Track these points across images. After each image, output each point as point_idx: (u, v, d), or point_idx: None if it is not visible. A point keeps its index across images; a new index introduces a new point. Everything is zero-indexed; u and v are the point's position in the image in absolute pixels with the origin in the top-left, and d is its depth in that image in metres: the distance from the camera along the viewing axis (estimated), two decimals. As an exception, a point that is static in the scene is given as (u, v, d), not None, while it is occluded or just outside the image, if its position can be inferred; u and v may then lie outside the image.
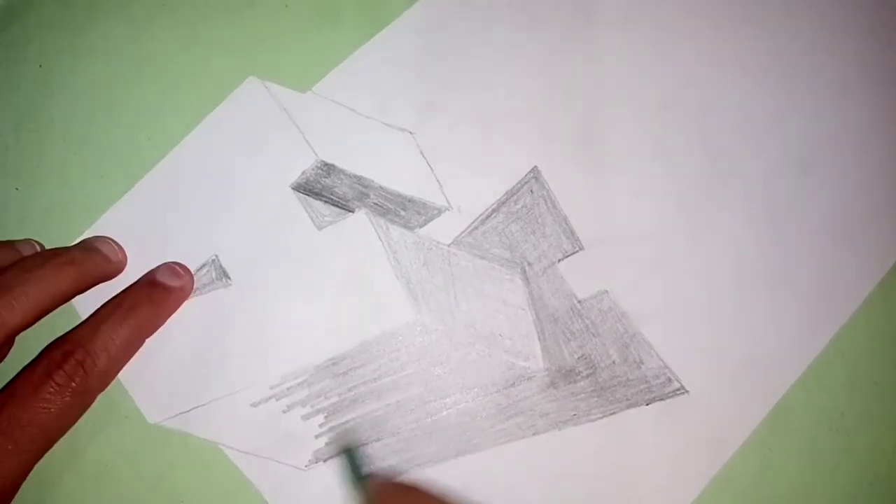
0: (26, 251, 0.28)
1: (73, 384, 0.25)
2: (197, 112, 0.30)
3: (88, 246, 0.28)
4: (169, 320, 0.28)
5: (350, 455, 0.28)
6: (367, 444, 0.28)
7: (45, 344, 0.26)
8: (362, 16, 0.31)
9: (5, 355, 0.28)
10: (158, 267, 0.28)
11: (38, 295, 0.25)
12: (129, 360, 0.27)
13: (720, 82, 0.31)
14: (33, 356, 0.26)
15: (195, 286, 0.29)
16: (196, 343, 0.28)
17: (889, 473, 0.29)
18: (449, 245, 0.30)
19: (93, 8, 0.32)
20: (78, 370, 0.25)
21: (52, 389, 0.24)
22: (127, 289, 0.28)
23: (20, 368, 0.27)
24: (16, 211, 0.30)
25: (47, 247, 0.29)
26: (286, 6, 0.32)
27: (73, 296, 0.27)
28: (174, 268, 0.28)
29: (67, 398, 0.24)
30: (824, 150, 0.31)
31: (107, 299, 0.28)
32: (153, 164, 0.30)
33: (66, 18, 0.32)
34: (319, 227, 0.30)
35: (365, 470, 0.27)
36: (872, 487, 0.29)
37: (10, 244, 0.28)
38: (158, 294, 0.27)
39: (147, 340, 0.28)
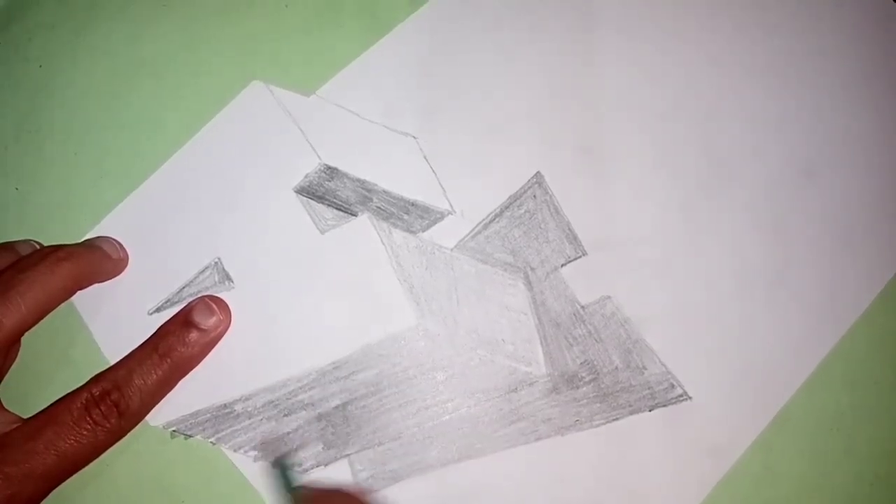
0: (25, 252, 0.28)
1: (108, 424, 0.25)
2: (199, 115, 0.30)
3: (88, 243, 0.28)
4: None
5: (281, 468, 0.28)
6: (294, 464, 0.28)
7: (51, 344, 0.27)
8: (365, 20, 0.31)
9: (14, 357, 0.28)
10: (195, 303, 0.28)
11: (34, 295, 0.25)
12: (160, 401, 0.27)
13: (722, 88, 0.32)
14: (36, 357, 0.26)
15: (196, 288, 0.29)
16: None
17: (890, 473, 0.29)
18: (452, 249, 0.30)
19: (93, 8, 0.32)
20: (113, 411, 0.25)
21: (89, 425, 0.25)
22: (162, 327, 0.27)
23: (21, 371, 0.27)
24: (16, 211, 0.30)
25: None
26: (286, 6, 0.32)
27: (73, 292, 0.27)
28: (210, 305, 0.28)
29: (101, 436, 0.25)
30: (827, 156, 0.31)
31: (109, 301, 0.28)
32: (155, 166, 0.30)
33: (66, 18, 0.32)
34: (322, 231, 0.30)
35: (295, 482, 0.27)
36: (873, 487, 0.29)
37: (8, 246, 0.28)
38: (194, 337, 0.27)
39: None
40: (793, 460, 0.28)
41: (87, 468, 0.26)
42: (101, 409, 0.25)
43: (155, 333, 0.27)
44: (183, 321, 0.27)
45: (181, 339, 0.27)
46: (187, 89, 0.31)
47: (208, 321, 0.28)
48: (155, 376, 0.26)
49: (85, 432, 0.25)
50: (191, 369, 0.28)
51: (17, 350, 0.28)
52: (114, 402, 0.25)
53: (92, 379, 0.26)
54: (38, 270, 0.26)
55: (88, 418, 0.25)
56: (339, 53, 0.31)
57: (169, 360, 0.26)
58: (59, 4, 0.32)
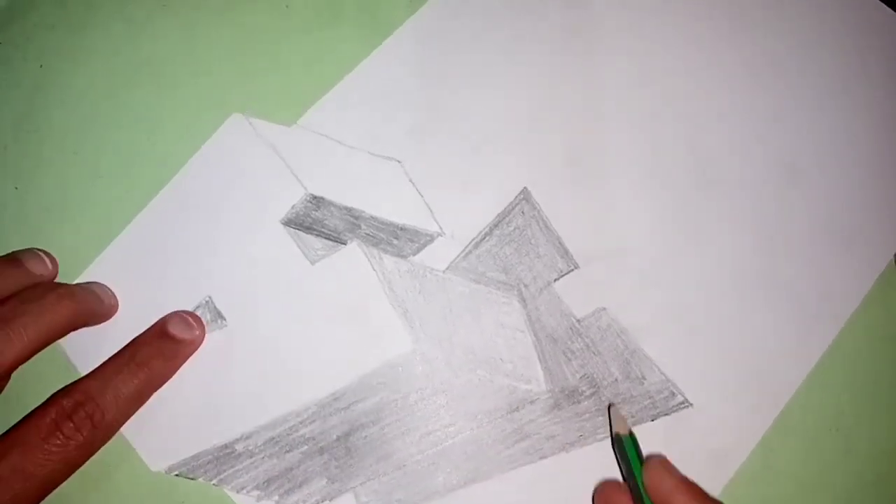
0: (32, 265, 0.27)
1: (81, 437, 0.24)
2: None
3: (84, 286, 0.28)
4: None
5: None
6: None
7: (38, 384, 0.26)
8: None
9: (2, 389, 0.28)
10: (170, 317, 0.28)
11: (36, 328, 0.25)
12: (135, 412, 0.26)
13: (705, 92, 0.32)
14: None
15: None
16: (195, 388, 0.28)
17: (890, 472, 0.29)
18: (444, 271, 0.30)
19: (92, 8, 0.32)
20: (86, 423, 0.24)
21: (59, 441, 0.24)
22: (138, 339, 0.27)
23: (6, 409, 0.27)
24: (15, 210, 0.30)
25: (46, 247, 0.29)
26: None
27: (69, 331, 0.27)
28: (186, 318, 0.28)
29: (73, 451, 0.24)
30: (812, 155, 0.31)
31: (101, 343, 0.28)
32: (138, 207, 0.30)
33: (66, 18, 0.32)
34: (312, 262, 0.29)
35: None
36: (873, 487, 0.29)
37: (15, 259, 0.27)
38: (169, 347, 0.27)
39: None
40: (793, 460, 0.28)
41: (87, 469, 0.25)
42: (73, 422, 0.24)
43: (130, 344, 0.27)
44: (159, 333, 0.27)
45: (157, 350, 0.27)
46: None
47: (184, 333, 0.27)
48: (130, 387, 0.26)
49: (55, 449, 0.24)
50: (164, 382, 0.27)
51: (6, 384, 0.28)
52: (88, 413, 0.24)
53: (60, 391, 0.25)
54: (43, 305, 0.25)
55: (59, 434, 0.24)
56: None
57: (145, 371, 0.26)
58: (59, 4, 0.32)
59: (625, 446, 0.26)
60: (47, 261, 0.28)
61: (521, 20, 0.32)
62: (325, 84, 0.31)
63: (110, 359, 0.26)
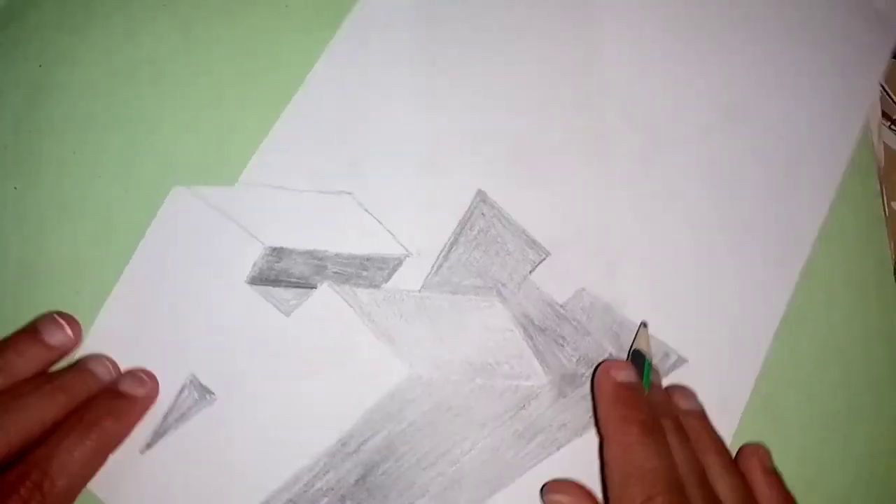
0: (49, 334, 0.27)
1: None
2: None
3: (81, 366, 0.27)
4: (164, 454, 0.27)
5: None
6: None
7: None
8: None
9: None
10: (121, 375, 0.27)
11: (25, 424, 0.24)
12: (91, 477, 0.25)
13: (635, 53, 0.32)
14: None
15: (179, 412, 0.28)
16: (200, 468, 0.27)
17: (886, 472, 0.29)
18: (419, 291, 0.30)
19: (92, 8, 0.32)
20: (35, 494, 0.23)
21: None
22: (88, 401, 0.26)
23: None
24: (14, 210, 0.30)
25: (45, 247, 0.29)
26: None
27: (63, 419, 0.25)
28: (138, 375, 0.27)
29: None
30: (748, 91, 0.32)
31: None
32: (102, 298, 0.29)
33: (66, 18, 0.32)
34: (287, 314, 0.29)
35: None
36: (870, 487, 0.29)
37: (34, 330, 0.27)
38: (122, 405, 0.26)
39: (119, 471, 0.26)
40: (791, 460, 0.28)
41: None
42: (20, 495, 0.23)
43: (81, 405, 0.26)
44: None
45: (109, 409, 0.26)
46: (180, 101, 0.31)
47: (138, 390, 0.27)
48: (81, 450, 0.24)
49: None
50: (119, 443, 0.26)
51: None
52: (35, 483, 0.23)
53: (9, 464, 0.24)
54: (33, 400, 0.25)
55: None
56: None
57: (95, 432, 0.25)
58: (59, 4, 0.32)
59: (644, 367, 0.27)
60: (68, 329, 0.27)
61: (447, 32, 0.32)
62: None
63: (60, 424, 0.25)
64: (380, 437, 0.28)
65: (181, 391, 0.28)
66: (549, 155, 0.31)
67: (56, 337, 0.27)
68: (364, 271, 0.30)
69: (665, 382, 0.29)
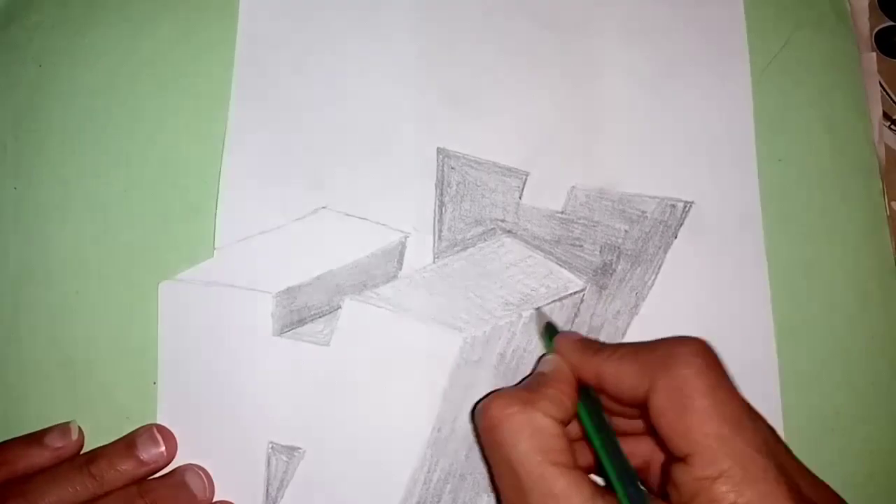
0: (50, 437, 0.26)
1: None
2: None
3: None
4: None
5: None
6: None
7: None
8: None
9: None
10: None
11: None
12: None
13: None
14: None
15: (278, 480, 0.27)
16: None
17: (884, 472, 0.28)
18: (434, 262, 0.30)
19: (92, 8, 0.32)
20: None
21: None
22: (101, 448, 0.26)
23: None
24: (14, 210, 0.30)
25: (45, 247, 0.29)
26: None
27: None
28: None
29: None
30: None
31: None
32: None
33: (66, 18, 0.32)
34: (326, 343, 0.29)
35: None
36: (867, 487, 0.28)
37: (130, 444, 0.26)
38: (128, 467, 0.26)
39: None
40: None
41: None
42: None
43: (91, 451, 0.26)
44: (124, 448, 0.26)
45: (113, 465, 0.26)
46: (180, 101, 0.31)
47: (150, 452, 0.26)
48: (75, 496, 0.25)
49: None
50: None
51: None
52: None
53: None
54: None
55: None
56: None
57: (93, 483, 0.25)
58: (59, 4, 0.32)
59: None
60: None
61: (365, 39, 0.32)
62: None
63: (65, 463, 0.26)
64: (467, 407, 0.28)
65: (268, 462, 0.27)
66: (483, 87, 0.32)
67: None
68: (376, 270, 0.29)
69: (683, 233, 0.30)
